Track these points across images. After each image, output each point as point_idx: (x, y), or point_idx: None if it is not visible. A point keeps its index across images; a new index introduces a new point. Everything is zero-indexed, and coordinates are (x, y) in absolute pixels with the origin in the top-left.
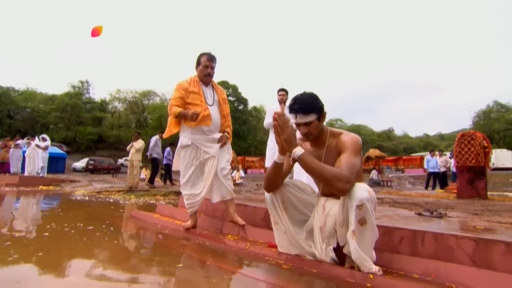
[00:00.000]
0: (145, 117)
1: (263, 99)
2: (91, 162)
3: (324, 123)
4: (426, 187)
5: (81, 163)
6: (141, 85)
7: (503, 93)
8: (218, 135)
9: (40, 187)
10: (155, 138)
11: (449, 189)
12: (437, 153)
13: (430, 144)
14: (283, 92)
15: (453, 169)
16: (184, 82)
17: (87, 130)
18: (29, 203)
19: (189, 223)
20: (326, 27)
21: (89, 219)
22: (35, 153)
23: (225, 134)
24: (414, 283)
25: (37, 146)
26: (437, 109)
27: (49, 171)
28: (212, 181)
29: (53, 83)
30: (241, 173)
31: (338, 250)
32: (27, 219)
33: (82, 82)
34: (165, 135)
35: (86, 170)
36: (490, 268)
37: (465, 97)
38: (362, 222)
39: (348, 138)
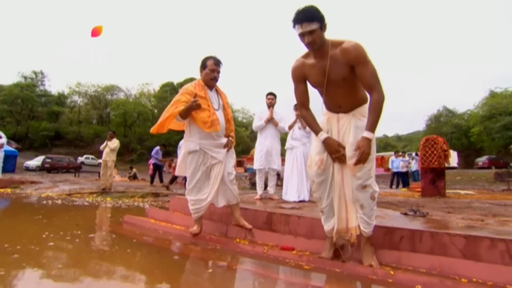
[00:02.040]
0: (107, 113)
1: (233, 99)
2: (48, 160)
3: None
4: (391, 186)
5: (35, 162)
6: (104, 79)
7: (451, 99)
8: (224, 140)
9: None
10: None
11: (412, 188)
12: (400, 153)
13: (389, 144)
14: (271, 96)
15: (413, 169)
16: (189, 86)
17: (42, 126)
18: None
19: (195, 228)
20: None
21: (80, 225)
22: None
23: (230, 138)
24: (430, 277)
25: None
26: (395, 112)
27: None
28: (218, 187)
29: None
30: None
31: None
32: (6, 227)
33: (35, 73)
34: (153, 131)
35: (42, 169)
36: (478, 260)
37: (419, 102)
38: (372, 198)
39: (354, 48)
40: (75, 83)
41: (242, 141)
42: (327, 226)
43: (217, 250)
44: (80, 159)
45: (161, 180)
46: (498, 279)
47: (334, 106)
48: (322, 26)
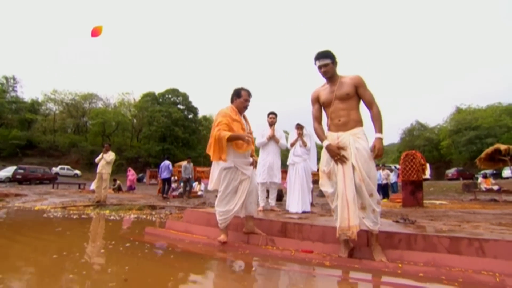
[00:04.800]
0: (85, 122)
1: (213, 108)
2: (20, 171)
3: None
4: None
5: (5, 172)
6: (82, 87)
7: (423, 114)
8: (251, 159)
9: None
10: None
11: (392, 199)
12: (380, 166)
13: None
14: (273, 115)
15: (392, 181)
16: (227, 110)
17: (12, 134)
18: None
19: (223, 237)
20: (278, 41)
21: (106, 237)
22: None
23: (254, 158)
24: (429, 268)
25: None
26: (370, 125)
27: None
28: (244, 200)
29: None
30: (202, 185)
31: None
32: (44, 239)
33: (6, 78)
34: (215, 159)
35: (13, 180)
36: (460, 254)
37: (395, 116)
38: (378, 203)
39: (358, 76)
40: (51, 90)
41: None
42: (337, 224)
43: (250, 255)
44: (55, 169)
45: (163, 193)
46: (476, 268)
47: (336, 119)
48: (334, 62)
